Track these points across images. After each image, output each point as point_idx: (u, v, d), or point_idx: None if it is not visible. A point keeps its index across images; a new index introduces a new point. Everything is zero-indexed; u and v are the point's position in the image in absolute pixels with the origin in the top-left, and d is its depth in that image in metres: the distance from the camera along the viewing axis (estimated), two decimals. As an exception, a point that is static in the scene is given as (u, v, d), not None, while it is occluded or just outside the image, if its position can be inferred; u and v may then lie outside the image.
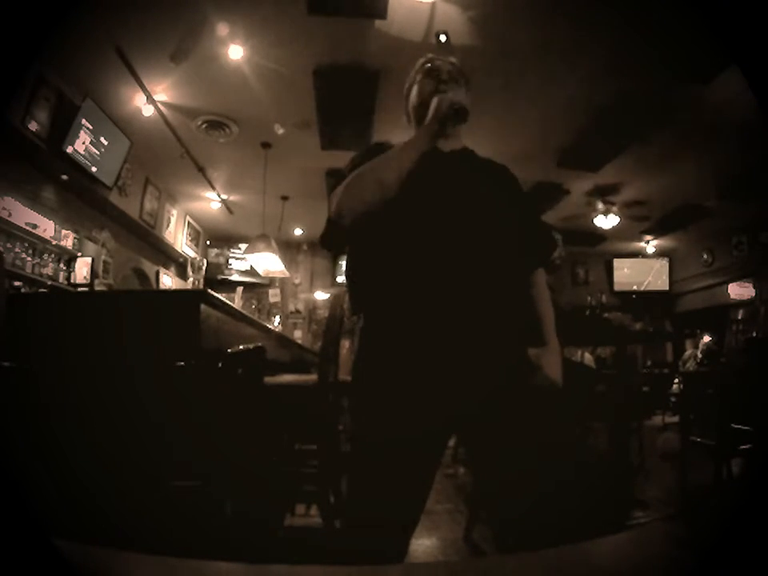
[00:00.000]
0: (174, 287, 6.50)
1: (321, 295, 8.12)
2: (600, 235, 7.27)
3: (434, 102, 1.05)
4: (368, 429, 0.97)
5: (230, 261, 7.73)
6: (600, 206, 6.26)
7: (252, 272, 6.88)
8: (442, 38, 3.23)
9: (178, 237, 6.56)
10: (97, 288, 4.37)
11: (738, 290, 7.14)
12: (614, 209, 6.32)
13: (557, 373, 1.09)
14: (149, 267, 6.02)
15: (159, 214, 5.83)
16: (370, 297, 1.04)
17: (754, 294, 6.80)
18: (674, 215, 6.64)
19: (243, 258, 7.16)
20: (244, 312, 2.39)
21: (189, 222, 6.89)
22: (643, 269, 8.46)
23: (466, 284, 0.96)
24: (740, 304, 7.04)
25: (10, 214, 3.62)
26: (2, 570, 0.37)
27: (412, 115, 1.20)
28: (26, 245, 3.84)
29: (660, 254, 8.32)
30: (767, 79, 0.53)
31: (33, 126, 3.49)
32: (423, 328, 0.95)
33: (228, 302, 1.88)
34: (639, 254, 8.34)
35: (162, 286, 6.17)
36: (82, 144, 3.95)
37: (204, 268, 5.47)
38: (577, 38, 3.33)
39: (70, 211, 4.40)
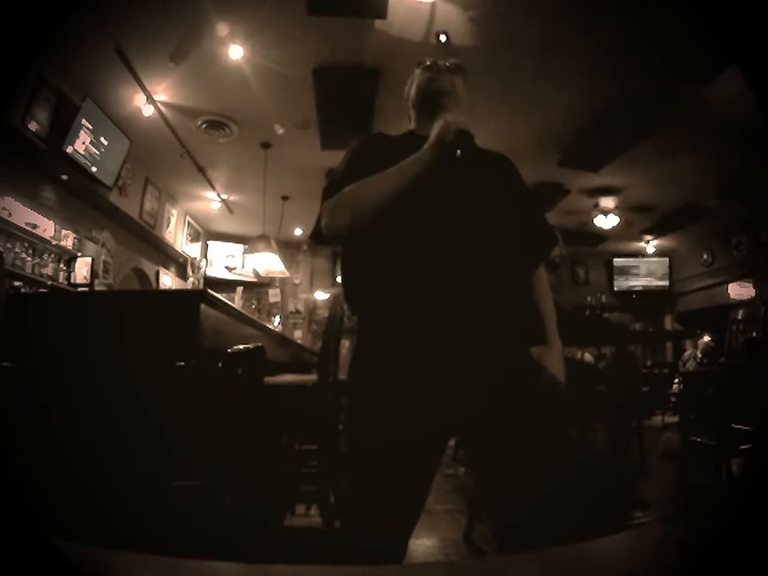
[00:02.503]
0: (174, 287, 6.50)
1: (321, 295, 8.12)
2: (600, 235, 7.27)
3: (437, 124, 0.96)
4: (365, 429, 0.96)
5: (230, 261, 7.73)
6: (600, 206, 6.26)
7: (252, 272, 6.88)
8: (442, 38, 3.23)
9: (178, 237, 6.55)
10: (97, 288, 4.37)
11: (738, 290, 7.14)
12: (614, 209, 6.32)
13: (559, 373, 1.07)
14: (149, 267, 6.02)
15: (159, 214, 5.83)
16: (366, 296, 1.03)
17: (753, 294, 6.81)
18: (674, 215, 6.65)
19: (243, 258, 7.15)
20: (244, 312, 2.39)
21: (189, 222, 6.89)
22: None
23: (465, 282, 0.95)
24: (740, 304, 7.02)
25: (10, 214, 3.62)
26: (2, 570, 0.37)
27: (412, 113, 1.19)
28: (26, 245, 3.84)
29: (660, 253, 8.32)
30: (767, 79, 0.53)
31: (33, 126, 3.49)
32: (421, 327, 0.94)
33: (228, 301, 1.88)
34: (639, 254, 8.34)
35: (161, 286, 6.17)
36: (81, 144, 3.95)
37: (204, 268, 5.47)
38: (577, 38, 3.33)
39: (70, 211, 4.40)
